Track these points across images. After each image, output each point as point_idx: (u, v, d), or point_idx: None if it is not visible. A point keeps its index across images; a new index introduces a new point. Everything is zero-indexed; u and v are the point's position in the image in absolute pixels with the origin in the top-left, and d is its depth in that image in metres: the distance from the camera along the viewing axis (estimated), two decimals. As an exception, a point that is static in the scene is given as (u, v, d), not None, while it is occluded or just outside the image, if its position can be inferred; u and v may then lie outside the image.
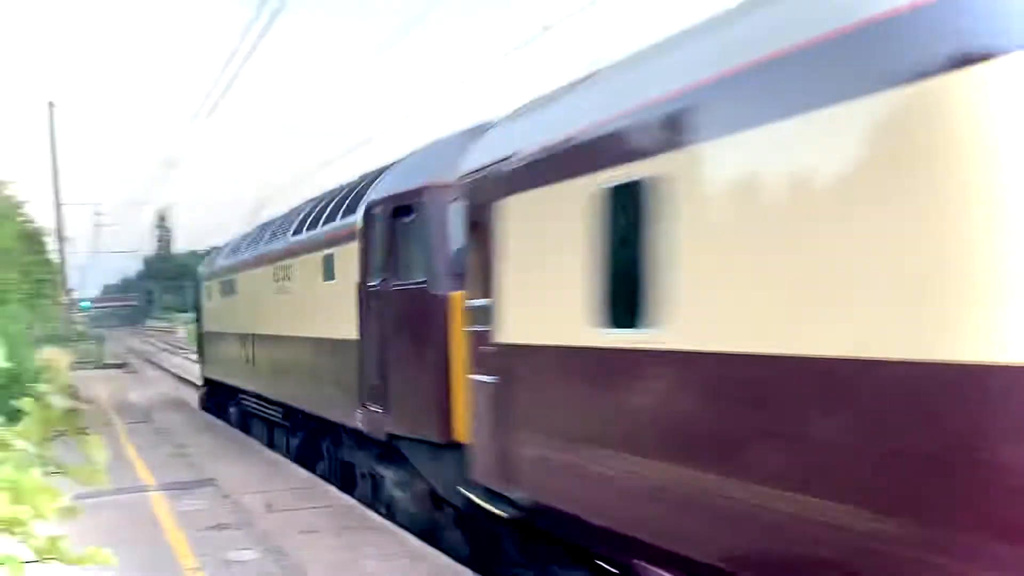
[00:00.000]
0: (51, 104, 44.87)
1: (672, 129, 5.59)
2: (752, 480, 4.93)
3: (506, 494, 7.72)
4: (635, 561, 6.13)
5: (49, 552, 2.16)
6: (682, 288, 5.43)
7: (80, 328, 60.95)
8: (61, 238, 46.49)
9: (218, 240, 27.79)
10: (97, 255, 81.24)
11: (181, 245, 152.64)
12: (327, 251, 12.81)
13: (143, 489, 12.51)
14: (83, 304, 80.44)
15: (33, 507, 2.09)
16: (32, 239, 38.09)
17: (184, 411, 23.49)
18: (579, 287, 6.40)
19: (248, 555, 9.06)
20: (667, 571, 5.78)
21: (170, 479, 13.18)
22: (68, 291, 51.69)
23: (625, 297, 5.94)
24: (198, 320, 26.25)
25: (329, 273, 12.71)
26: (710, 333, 5.24)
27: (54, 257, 46.61)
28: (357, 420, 11.39)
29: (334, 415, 12.64)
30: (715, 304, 5.21)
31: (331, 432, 13.37)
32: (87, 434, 2.29)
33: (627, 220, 5.94)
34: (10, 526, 2.05)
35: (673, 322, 5.50)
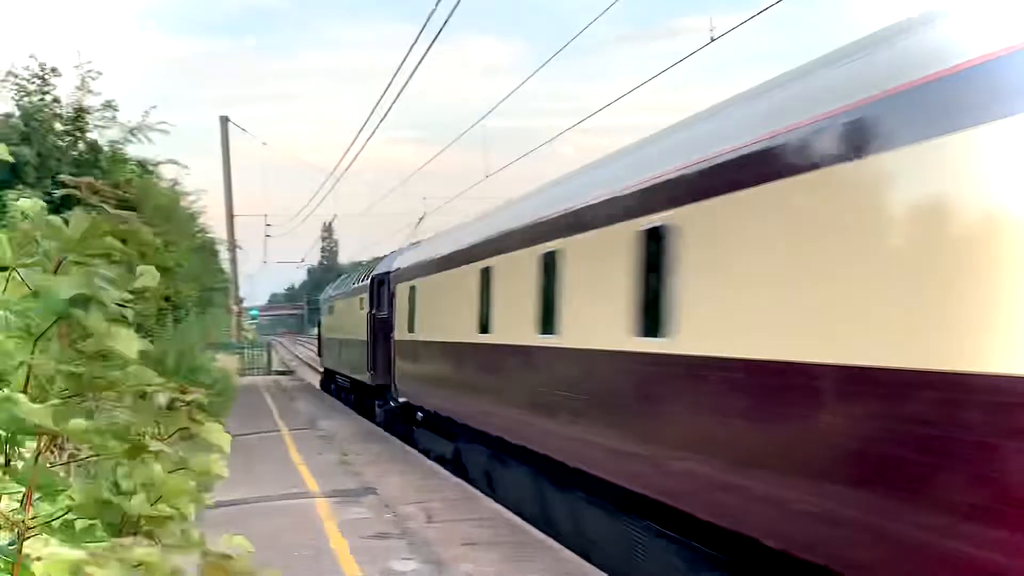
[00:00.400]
0: (224, 118, 45.14)
1: (424, 267, 17.41)
2: (445, 387, 16.66)
3: (398, 398, 19.68)
4: (418, 414, 17.97)
5: (183, 547, 2.07)
6: (417, 319, 17.24)
7: (250, 336, 60.81)
8: (233, 249, 46.42)
9: (380, 251, 31.94)
10: (265, 264, 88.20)
11: (347, 255, 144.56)
12: (362, 295, 25.20)
13: (308, 495, 12.97)
14: (252, 312, 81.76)
15: (175, 508, 2.11)
16: (206, 249, 38.46)
17: (344, 417, 25.13)
18: (405, 319, 18.27)
19: (409, 565, 9.12)
20: (423, 414, 17.60)
21: (334, 486, 13.54)
22: (239, 300, 52.47)
23: (408, 323, 17.78)
24: (319, 329, 39.77)
25: (362, 306, 25.01)
26: (427, 333, 17.04)
27: (226, 266, 46.66)
28: (366, 379, 23.61)
29: (361, 378, 24.93)
30: (425, 323, 16.97)
31: (361, 387, 25.65)
32: (202, 423, 2.14)
33: (412, 300, 17.74)
34: (154, 527, 2.09)
35: (421, 331, 17.37)
